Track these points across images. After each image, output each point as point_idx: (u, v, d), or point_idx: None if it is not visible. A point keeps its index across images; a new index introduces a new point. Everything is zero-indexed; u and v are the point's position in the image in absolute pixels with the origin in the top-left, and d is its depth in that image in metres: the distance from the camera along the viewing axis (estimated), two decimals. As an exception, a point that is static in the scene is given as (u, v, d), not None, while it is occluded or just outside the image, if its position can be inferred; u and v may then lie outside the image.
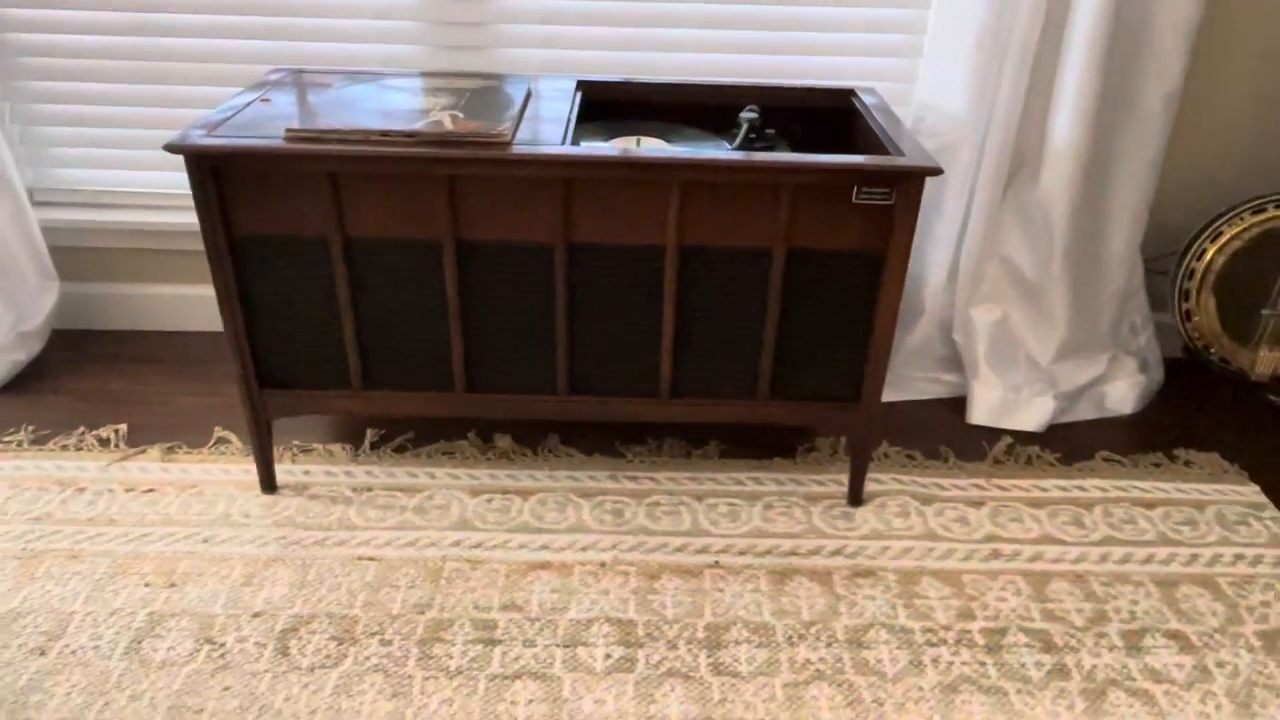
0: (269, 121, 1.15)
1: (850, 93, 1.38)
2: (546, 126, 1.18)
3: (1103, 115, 1.36)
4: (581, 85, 1.36)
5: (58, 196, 1.61)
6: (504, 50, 1.50)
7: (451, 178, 1.10)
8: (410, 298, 1.19)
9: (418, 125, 1.11)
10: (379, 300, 1.20)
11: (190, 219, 1.57)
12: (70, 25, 1.49)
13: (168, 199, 1.61)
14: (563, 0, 1.46)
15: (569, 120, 1.21)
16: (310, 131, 1.09)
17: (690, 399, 1.27)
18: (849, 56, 1.50)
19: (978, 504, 1.36)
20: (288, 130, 1.09)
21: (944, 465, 1.44)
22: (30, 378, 1.57)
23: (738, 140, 1.27)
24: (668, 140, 1.29)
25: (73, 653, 1.08)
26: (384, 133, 1.09)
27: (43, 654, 1.08)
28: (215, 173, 1.10)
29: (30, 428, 1.45)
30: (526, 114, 1.22)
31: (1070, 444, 1.51)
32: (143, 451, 1.41)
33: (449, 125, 1.12)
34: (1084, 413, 1.58)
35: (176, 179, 1.56)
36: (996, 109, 1.37)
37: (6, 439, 1.43)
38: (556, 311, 1.20)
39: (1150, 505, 1.37)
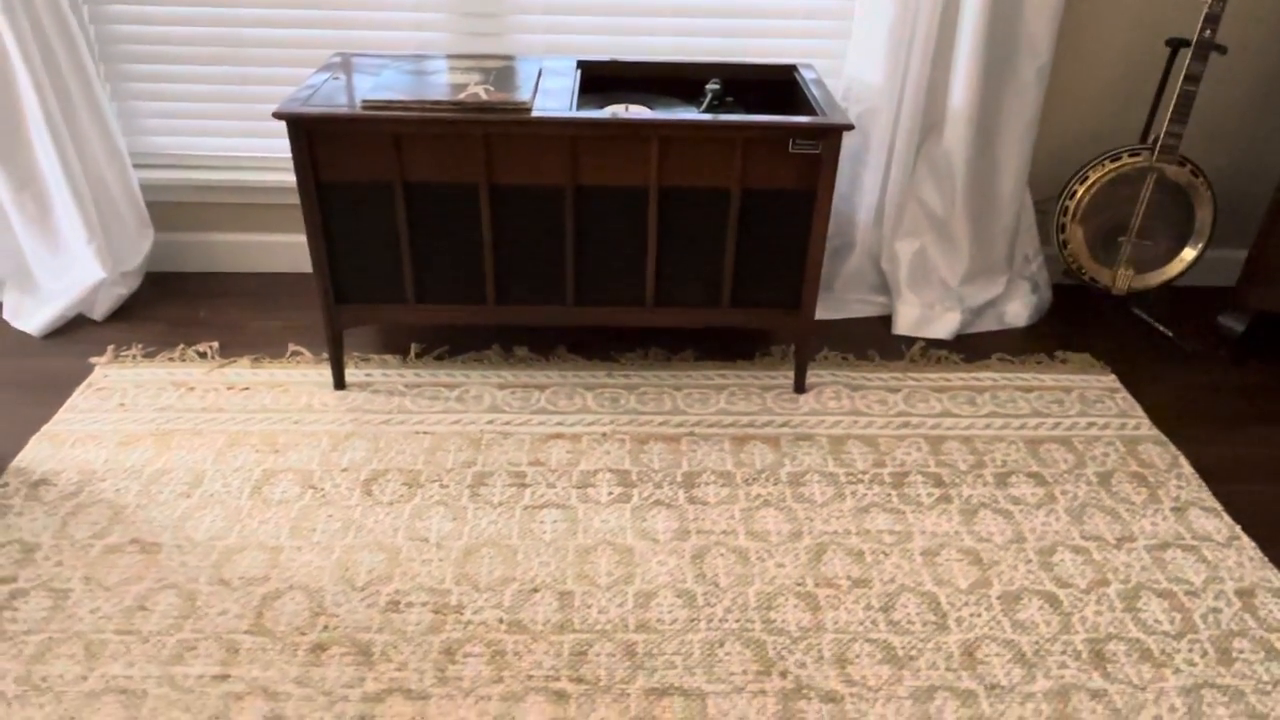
0: (342, 94, 1.51)
1: (793, 68, 1.74)
2: (556, 96, 1.54)
3: (989, 86, 1.73)
4: (581, 64, 1.72)
5: (150, 160, 1.96)
6: (516, 36, 1.85)
7: (486, 136, 1.46)
8: (454, 230, 1.55)
9: (460, 96, 1.47)
10: (430, 232, 1.56)
11: (261, 176, 1.94)
12: (156, 18, 1.83)
13: (245, 161, 1.96)
14: (563, -5, 1.82)
15: (573, 92, 1.57)
16: (381, 101, 1.45)
17: (669, 307, 1.64)
18: (793, 39, 1.86)
19: (895, 390, 1.75)
20: (364, 101, 1.45)
21: (870, 364, 1.83)
22: (133, 309, 1.93)
23: (704, 106, 1.63)
24: (650, 106, 1.65)
25: (210, 495, 1.45)
26: (436, 103, 1.45)
27: (188, 497, 1.44)
28: (310, 134, 1.45)
29: (139, 345, 1.80)
30: (541, 87, 1.58)
31: (973, 348, 1.89)
32: (234, 361, 1.77)
33: (484, 96, 1.47)
34: (986, 325, 1.96)
35: (251, 144, 1.92)
36: (908, 81, 1.74)
37: (124, 354, 1.78)
38: (566, 239, 1.56)
39: (1029, 390, 1.76)
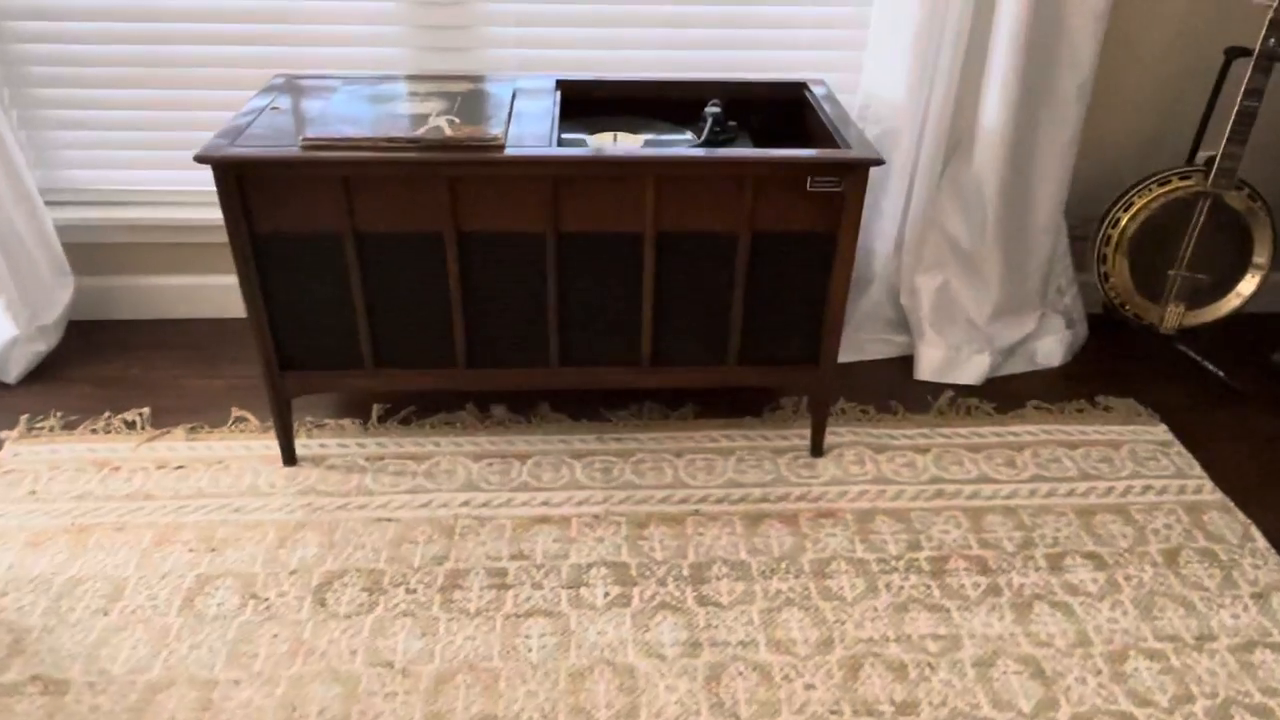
0: (283, 129, 1.28)
1: (802, 85, 1.53)
2: (533, 125, 1.32)
3: (1025, 103, 1.52)
4: (561, 84, 1.49)
5: (67, 197, 1.71)
6: (486, 51, 1.62)
7: (451, 179, 1.24)
8: (416, 285, 1.33)
9: (420, 131, 1.24)
10: (388, 288, 1.33)
11: (194, 214, 1.71)
12: (70, 35, 1.58)
13: (179, 195, 1.72)
14: (539, 4, 1.59)
15: (553, 119, 1.35)
16: (324, 140, 1.22)
17: (668, 366, 1.43)
18: (801, 50, 1.65)
19: (924, 450, 1.54)
20: (304, 139, 1.22)
21: (894, 418, 1.62)
22: (52, 367, 1.69)
23: (704, 133, 1.42)
24: (641, 133, 1.43)
25: (133, 611, 1.22)
26: (391, 140, 1.22)
27: (106, 614, 1.22)
28: (240, 179, 1.22)
29: (58, 414, 1.57)
30: (515, 114, 1.35)
31: (1005, 395, 1.69)
32: (168, 432, 1.54)
33: (448, 131, 1.25)
34: (1017, 366, 1.76)
35: (187, 176, 1.68)
36: (933, 98, 1.53)
37: (39, 425, 1.54)
38: (548, 293, 1.35)
39: (1073, 446, 1.57)
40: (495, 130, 1.26)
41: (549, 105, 1.41)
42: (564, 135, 1.41)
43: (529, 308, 1.36)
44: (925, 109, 1.54)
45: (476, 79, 1.47)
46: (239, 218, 1.24)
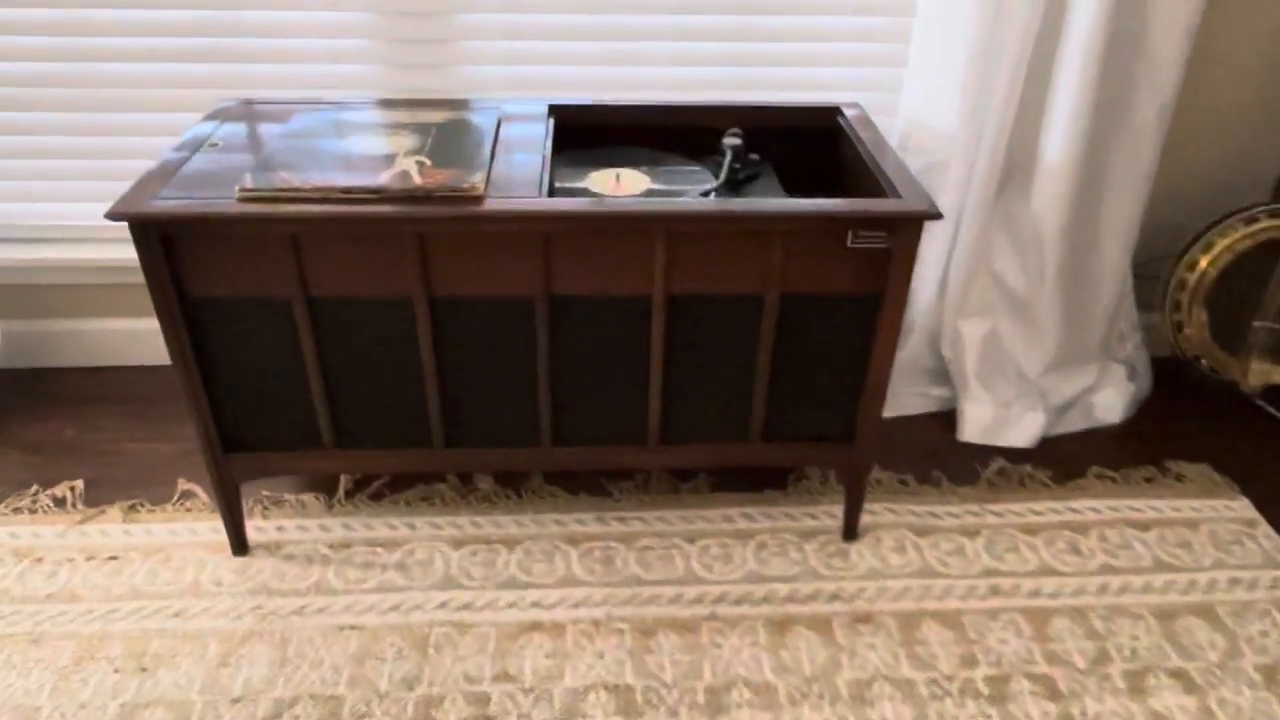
0: (222, 171, 1.07)
1: (835, 111, 1.31)
2: (521, 164, 1.10)
3: (1097, 128, 1.31)
4: (555, 110, 1.28)
5: (-8, 234, 1.50)
6: (468, 68, 1.41)
7: (422, 235, 1.03)
8: (382, 356, 1.12)
9: (382, 179, 1.03)
10: (349, 359, 1.12)
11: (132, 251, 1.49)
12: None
13: (110, 231, 1.51)
14: (529, 14, 1.37)
15: (544, 155, 1.14)
16: (266, 191, 1.01)
17: (680, 445, 1.22)
18: (830, 67, 1.43)
19: (973, 533, 1.34)
20: (241, 190, 1.01)
21: (937, 490, 1.42)
22: (-25, 429, 1.49)
23: (723, 172, 1.20)
24: (649, 171, 1.22)
25: (41, 755, 1.02)
26: (347, 190, 1.01)
27: (9, 758, 1.02)
28: (165, 237, 1.01)
29: (-21, 488, 1.37)
30: (499, 148, 1.14)
31: (1061, 459, 1.48)
32: (103, 512, 1.33)
33: (416, 178, 1.04)
34: (1073, 424, 1.55)
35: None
36: (987, 124, 1.32)
37: (-46, 503, 1.34)
38: (538, 364, 1.14)
39: (1145, 526, 1.36)
40: (474, 175, 1.05)
41: (540, 136, 1.19)
42: (559, 171, 1.20)
43: (516, 380, 1.15)
44: (978, 137, 1.33)
45: (456, 104, 1.26)
46: (165, 281, 1.03)
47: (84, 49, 1.37)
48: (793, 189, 1.29)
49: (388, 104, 1.26)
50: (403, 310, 1.08)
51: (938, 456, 1.49)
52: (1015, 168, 1.39)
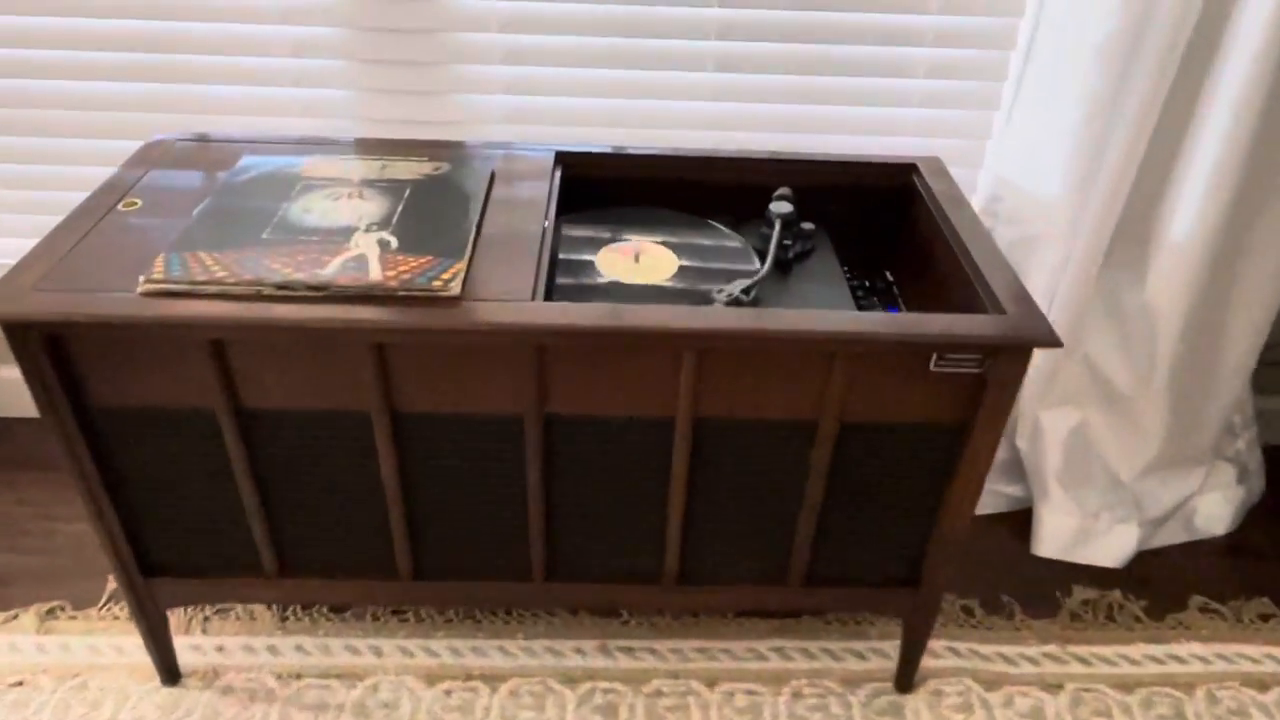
0: (131, 246, 0.84)
1: (911, 169, 1.06)
2: (515, 240, 0.87)
3: (1242, 199, 1.05)
4: (562, 158, 1.04)
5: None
6: (459, 98, 1.16)
7: (381, 345, 0.80)
8: (334, 474, 0.90)
9: (331, 269, 0.80)
10: (293, 477, 0.90)
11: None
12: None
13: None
14: (536, 35, 1.12)
15: (545, 230, 0.90)
16: (179, 283, 0.78)
17: (702, 586, 0.99)
18: (897, 107, 1.17)
19: (1054, 687, 1.10)
20: (146, 282, 0.78)
21: (1009, 624, 1.18)
22: (-119, 501, 1.28)
23: (770, 250, 0.96)
24: (677, 245, 0.98)
25: None
26: (283, 285, 0.78)
27: None
28: (52, 338, 0.79)
29: (-125, 579, 1.17)
30: (489, 214, 0.91)
31: (1157, 584, 1.24)
32: (16, 617, 1.13)
33: (375, 267, 0.80)
34: (1169, 536, 1.31)
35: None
36: (1096, 192, 1.06)
37: None
38: (529, 489, 0.91)
39: (1263, 685, 1.12)
40: (449, 263, 0.81)
41: (542, 197, 0.96)
42: (564, 241, 0.96)
43: (501, 506, 0.93)
44: (1081, 208, 1.07)
45: (441, 149, 1.02)
46: (53, 389, 0.81)
47: (14, 63, 1.14)
48: (853, 263, 1.05)
49: (359, 146, 1.03)
50: (358, 426, 0.86)
51: (1009, 574, 1.25)
52: (1122, 240, 1.13)
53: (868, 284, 1.06)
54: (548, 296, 0.83)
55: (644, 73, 1.15)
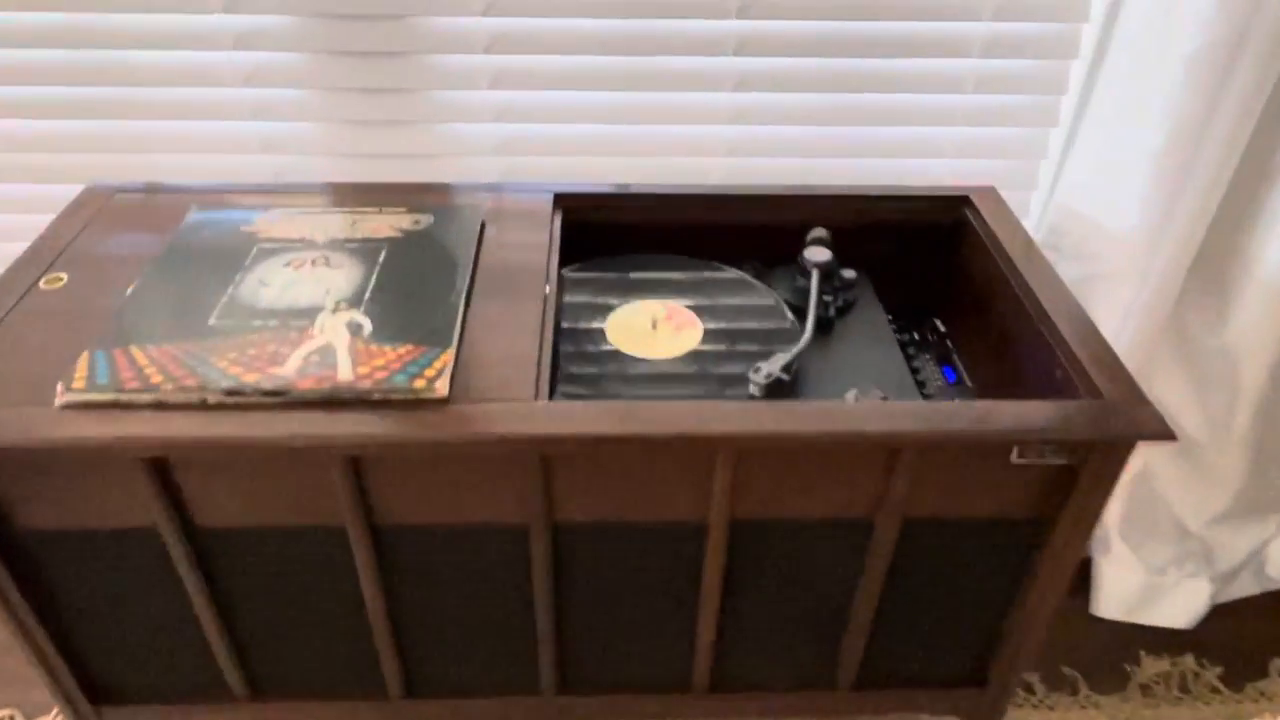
0: (56, 336, 0.70)
1: (962, 200, 0.92)
2: (510, 311, 0.73)
3: (1339, 233, 0.92)
4: (562, 202, 0.90)
5: None
6: (443, 129, 1.02)
7: (354, 460, 0.66)
8: (309, 588, 0.77)
9: (291, 369, 0.66)
10: (260, 595, 0.77)
11: None
12: None
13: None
14: (530, 55, 0.98)
15: (546, 298, 0.76)
16: (105, 394, 0.64)
17: (738, 693, 0.87)
18: (934, 126, 1.03)
19: (1131, 779, 0.99)
20: (65, 392, 0.64)
21: (1074, 701, 1.06)
22: None
23: (810, 308, 0.82)
24: (699, 305, 0.85)
25: None
26: (233, 391, 0.64)
27: None
28: (-47, 462, 0.65)
29: None
30: (479, 278, 0.77)
31: (1232, 645, 1.12)
32: (-44, 732, 1.00)
33: (344, 366, 0.66)
34: (1240, 589, 1.19)
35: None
36: (1176, 221, 0.92)
37: None
38: (536, 598, 0.78)
39: (1363, 767, 1.00)
40: (434, 354, 0.67)
41: (541, 251, 0.82)
42: (568, 306, 0.83)
43: (505, 614, 0.79)
44: (1157, 241, 0.94)
45: (421, 198, 0.88)
46: (-34, 517, 0.68)
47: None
48: (898, 310, 0.92)
49: (326, 195, 0.89)
50: (332, 541, 0.72)
51: (1070, 640, 1.12)
52: (1199, 275, 1.00)
53: (916, 336, 0.93)
54: (552, 385, 0.69)
55: (652, 94, 1.00)
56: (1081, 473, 0.69)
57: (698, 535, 0.73)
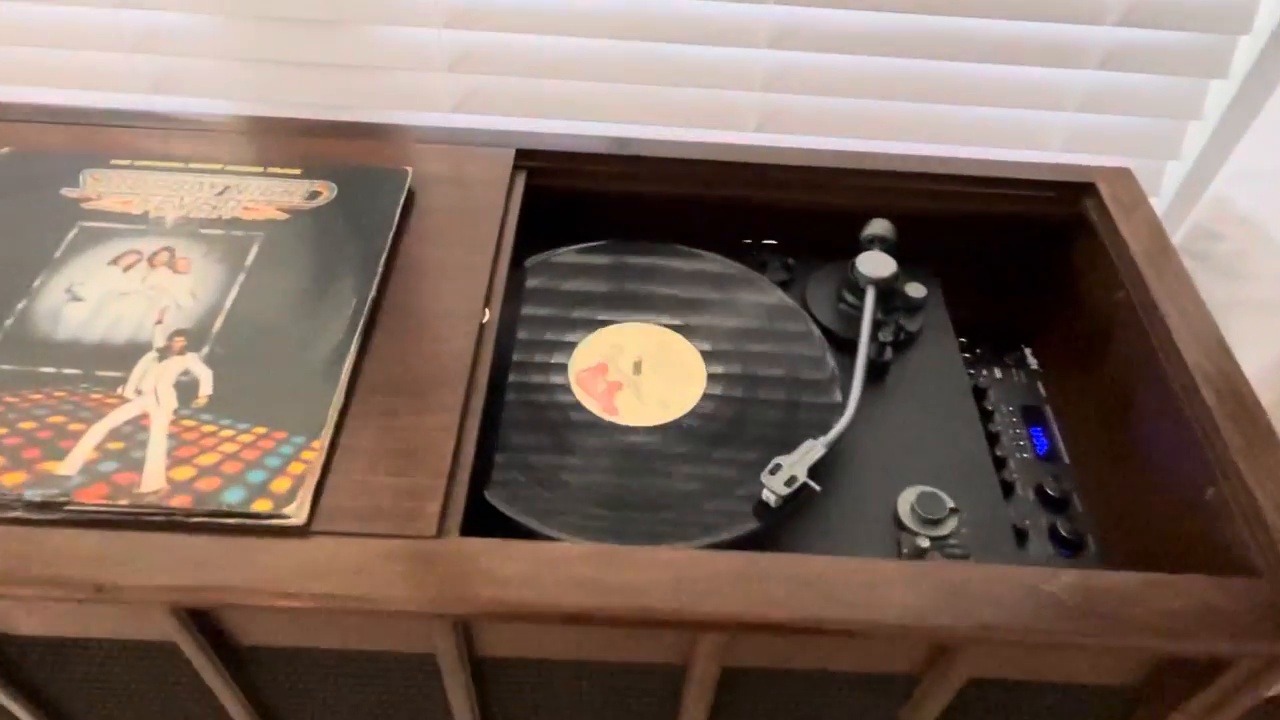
0: None
1: (1085, 188, 0.66)
2: (425, 356, 0.51)
3: None
4: (526, 160, 0.65)
5: None
6: (385, 75, 0.75)
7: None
8: (142, 705, 0.58)
9: (74, 458, 0.44)
10: (79, 700, 0.58)
11: None
12: None
13: None
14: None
15: (475, 359, 0.53)
16: None
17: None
18: (1051, 111, 0.75)
19: None
20: None
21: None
22: None
23: (861, 349, 0.59)
24: (703, 326, 0.61)
25: None
26: (38, 507, 0.43)
27: None
28: None
29: None
30: (386, 304, 0.54)
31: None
32: None
33: (156, 463, 0.44)
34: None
35: None
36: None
37: None
38: None
39: None
40: (292, 449, 0.45)
41: (489, 241, 0.58)
42: (524, 321, 0.60)
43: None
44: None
45: (327, 151, 0.63)
46: None
47: None
48: (972, 330, 0.68)
49: (203, 133, 0.64)
50: (162, 655, 0.53)
51: None
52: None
53: (998, 373, 0.69)
54: (485, 472, 0.47)
55: (658, 45, 0.73)
56: (1229, 668, 0.48)
57: (673, 680, 0.53)
